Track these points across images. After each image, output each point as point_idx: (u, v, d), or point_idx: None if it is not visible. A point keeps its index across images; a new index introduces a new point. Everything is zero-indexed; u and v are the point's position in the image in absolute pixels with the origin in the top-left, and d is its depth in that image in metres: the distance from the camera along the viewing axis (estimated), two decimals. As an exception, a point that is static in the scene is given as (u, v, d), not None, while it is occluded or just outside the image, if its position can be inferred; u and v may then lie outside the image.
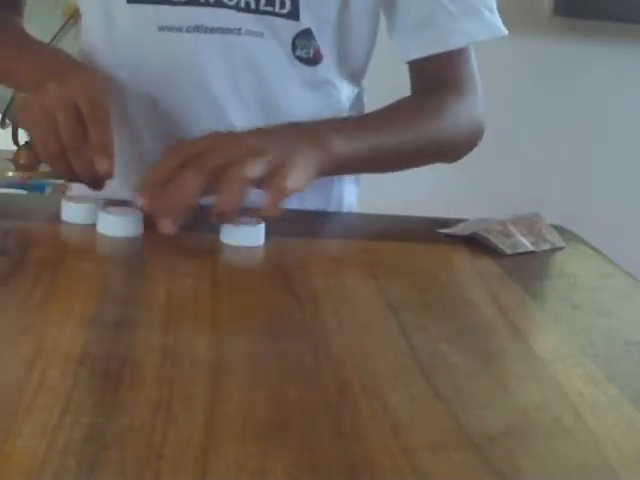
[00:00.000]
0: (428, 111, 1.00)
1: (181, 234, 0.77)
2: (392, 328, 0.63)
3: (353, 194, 1.14)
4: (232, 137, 0.81)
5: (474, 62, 1.04)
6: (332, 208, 1.07)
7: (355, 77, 1.07)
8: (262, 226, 0.80)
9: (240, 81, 0.99)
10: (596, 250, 0.89)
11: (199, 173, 0.76)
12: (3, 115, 1.71)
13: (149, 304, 0.64)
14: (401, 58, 1.03)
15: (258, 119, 0.99)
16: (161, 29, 0.96)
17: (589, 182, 2.34)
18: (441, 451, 0.47)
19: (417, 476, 0.44)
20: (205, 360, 0.55)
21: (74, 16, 1.69)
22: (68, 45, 1.66)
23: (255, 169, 0.76)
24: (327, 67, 1.01)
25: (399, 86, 1.04)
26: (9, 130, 1.72)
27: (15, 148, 1.75)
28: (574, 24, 2.25)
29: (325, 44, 0.99)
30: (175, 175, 0.76)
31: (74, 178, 0.85)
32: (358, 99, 1.09)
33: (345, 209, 1.09)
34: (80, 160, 0.83)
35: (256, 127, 0.85)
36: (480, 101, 1.04)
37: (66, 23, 1.70)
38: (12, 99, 1.67)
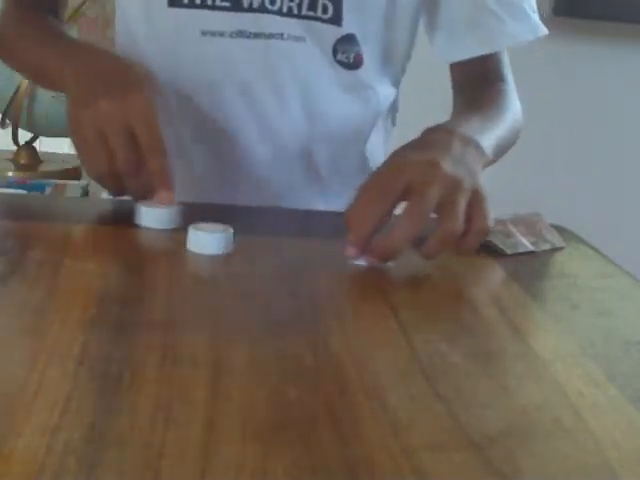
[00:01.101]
0: (503, 102, 1.00)
1: (182, 235, 0.77)
2: (392, 328, 0.63)
3: None
4: (429, 167, 0.75)
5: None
6: None
7: (395, 79, 1.07)
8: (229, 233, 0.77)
9: (281, 85, 0.99)
10: (596, 250, 0.89)
11: (418, 223, 0.73)
12: (3, 115, 1.71)
13: (149, 304, 0.64)
14: (444, 58, 1.04)
15: (299, 123, 1.00)
16: (204, 33, 0.97)
17: (589, 182, 2.34)
18: (441, 451, 0.47)
19: (417, 476, 0.44)
20: (205, 360, 0.55)
21: (74, 16, 1.69)
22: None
23: (462, 205, 0.74)
24: (367, 71, 1.01)
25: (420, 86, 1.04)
26: (9, 130, 1.72)
27: (15, 148, 1.75)
28: (574, 24, 2.25)
29: (368, 48, 1.00)
30: (393, 226, 0.73)
31: (122, 194, 0.84)
32: (394, 102, 1.10)
33: None
34: (134, 182, 0.82)
35: (421, 141, 0.81)
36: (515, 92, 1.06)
37: (66, 23, 1.70)
38: (12, 99, 1.67)
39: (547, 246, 0.87)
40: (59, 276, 0.68)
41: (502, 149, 0.93)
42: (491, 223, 0.76)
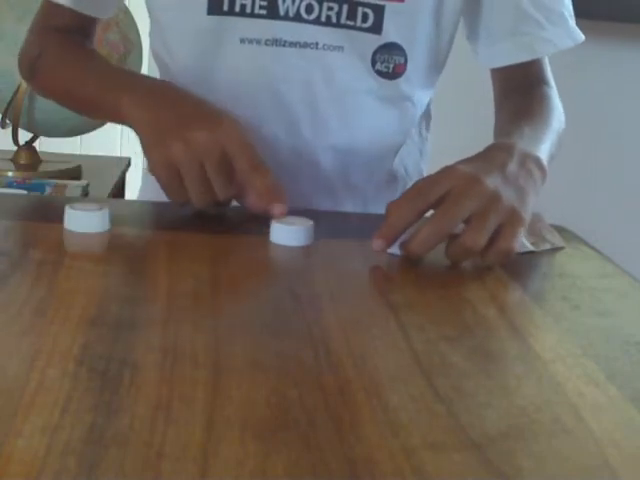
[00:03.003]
0: (550, 108, 1.01)
1: (181, 234, 0.77)
2: (392, 328, 0.63)
3: None
4: (472, 180, 0.77)
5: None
6: None
7: (432, 87, 1.07)
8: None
9: (316, 94, 0.99)
10: (596, 250, 0.89)
11: (442, 230, 0.75)
12: (3, 115, 1.71)
13: (149, 304, 0.64)
14: (485, 64, 1.05)
15: (332, 133, 1.00)
16: (242, 41, 0.97)
17: (589, 182, 2.34)
18: (441, 451, 0.47)
19: (417, 476, 0.44)
20: (205, 360, 0.55)
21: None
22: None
23: (493, 225, 0.75)
24: (407, 81, 1.01)
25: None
26: (9, 130, 1.72)
27: (15, 148, 1.75)
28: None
29: (411, 57, 0.99)
30: (420, 226, 0.76)
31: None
32: (428, 106, 1.10)
33: None
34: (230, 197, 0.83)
35: (479, 155, 0.83)
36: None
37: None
38: (12, 99, 1.67)
39: (547, 246, 0.87)
40: (59, 276, 0.68)
41: (553, 156, 0.93)
42: (516, 246, 0.77)
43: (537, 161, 0.84)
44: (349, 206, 1.06)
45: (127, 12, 1.75)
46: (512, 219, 0.76)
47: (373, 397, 0.52)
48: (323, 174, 1.03)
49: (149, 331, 0.59)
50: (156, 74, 1.08)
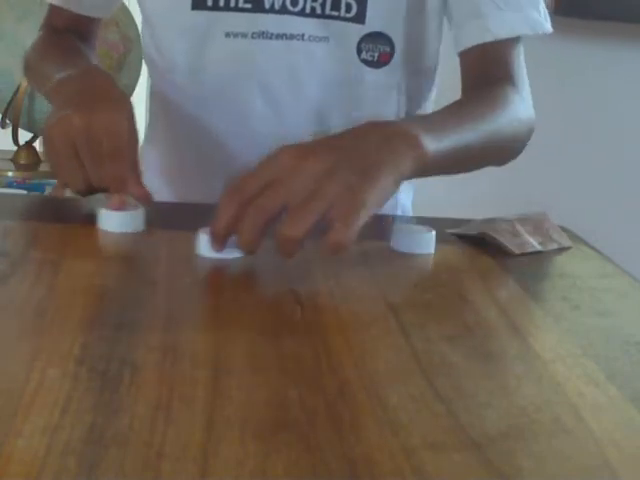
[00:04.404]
0: (496, 105, 0.96)
1: (181, 234, 0.77)
2: (392, 328, 0.63)
3: (410, 198, 1.14)
4: (294, 166, 0.69)
5: (523, 61, 1.03)
6: (388, 212, 1.08)
7: (426, 76, 1.06)
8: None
9: (302, 86, 1.00)
10: (596, 250, 0.89)
11: (259, 219, 0.69)
12: (3, 115, 1.71)
13: (149, 304, 0.64)
14: (455, 49, 1.04)
15: (319, 124, 1.00)
16: (228, 35, 0.97)
17: (589, 182, 2.34)
18: (441, 451, 0.47)
19: (417, 476, 0.44)
20: (205, 360, 0.55)
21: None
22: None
23: (316, 211, 0.67)
24: (393, 69, 1.01)
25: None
26: (9, 130, 1.72)
27: (15, 148, 1.75)
28: (574, 24, 2.25)
29: (396, 45, 0.99)
30: (237, 225, 0.70)
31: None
32: (428, 100, 1.09)
33: (400, 213, 1.10)
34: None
35: (333, 134, 0.75)
36: (530, 99, 1.02)
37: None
38: (12, 99, 1.67)
39: (554, 246, 0.87)
40: (59, 276, 0.68)
41: (483, 149, 0.88)
42: (350, 237, 0.66)
43: (410, 138, 0.74)
44: None
45: (126, 12, 1.75)
46: (344, 202, 0.67)
47: (373, 397, 0.52)
48: None
49: (149, 331, 0.58)
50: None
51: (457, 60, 1.03)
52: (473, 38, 1.00)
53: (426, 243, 0.81)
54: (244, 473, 0.43)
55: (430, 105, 1.11)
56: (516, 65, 1.02)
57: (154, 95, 1.11)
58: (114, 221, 0.79)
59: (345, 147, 0.71)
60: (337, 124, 1.01)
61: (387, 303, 0.69)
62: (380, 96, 1.02)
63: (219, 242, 0.72)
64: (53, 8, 1.09)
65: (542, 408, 0.53)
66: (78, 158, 0.81)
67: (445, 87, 1.10)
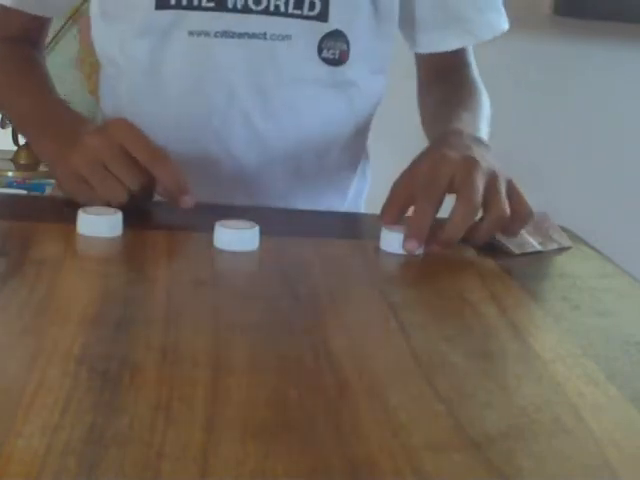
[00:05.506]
0: (479, 94, 1.06)
1: (181, 235, 0.77)
2: (392, 328, 0.63)
3: (364, 193, 1.15)
4: (469, 164, 0.81)
5: None
6: (346, 208, 1.08)
7: (381, 73, 1.08)
8: (257, 229, 0.79)
9: (264, 84, 1.00)
10: (596, 250, 0.89)
11: (473, 211, 0.79)
12: (3, 115, 1.71)
13: (149, 304, 0.64)
14: (425, 50, 1.08)
15: (283, 121, 1.01)
16: (191, 34, 0.97)
17: (589, 182, 2.34)
18: (441, 451, 0.47)
19: (417, 476, 0.44)
20: (205, 360, 0.55)
21: (74, 16, 1.69)
22: (68, 45, 1.66)
23: (505, 198, 0.81)
24: (352, 67, 1.02)
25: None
26: (9, 130, 1.72)
27: (15, 148, 1.75)
28: (574, 24, 2.24)
29: (354, 44, 1.01)
30: (452, 216, 0.79)
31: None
32: (379, 95, 1.10)
33: (356, 209, 1.11)
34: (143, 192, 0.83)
35: (442, 142, 0.86)
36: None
37: (66, 23, 1.70)
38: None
39: (554, 246, 0.87)
40: (59, 276, 0.68)
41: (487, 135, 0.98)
42: (531, 208, 0.83)
43: (482, 142, 0.89)
44: (300, 196, 1.06)
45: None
46: (514, 188, 0.83)
47: (373, 397, 0.52)
48: (275, 162, 1.04)
49: (149, 331, 0.59)
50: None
51: (403, 59, 1.07)
52: (456, 41, 1.06)
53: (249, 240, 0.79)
54: (244, 473, 0.43)
55: (379, 103, 1.11)
56: (472, 61, 1.12)
57: (107, 95, 1.10)
58: (93, 225, 0.78)
59: (477, 154, 0.83)
60: (298, 122, 1.02)
61: (387, 303, 0.69)
62: (337, 94, 1.03)
63: (421, 240, 0.79)
64: (2, 15, 1.07)
65: (542, 408, 0.53)
66: (112, 174, 0.81)
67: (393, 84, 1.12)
